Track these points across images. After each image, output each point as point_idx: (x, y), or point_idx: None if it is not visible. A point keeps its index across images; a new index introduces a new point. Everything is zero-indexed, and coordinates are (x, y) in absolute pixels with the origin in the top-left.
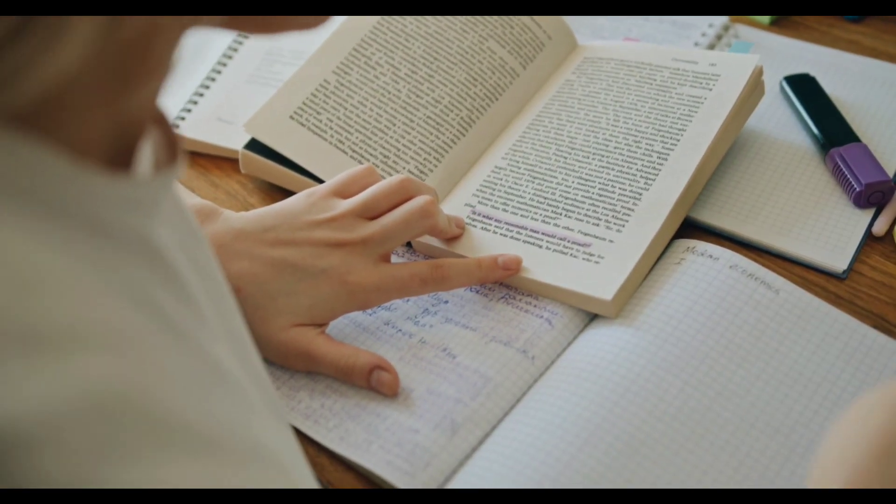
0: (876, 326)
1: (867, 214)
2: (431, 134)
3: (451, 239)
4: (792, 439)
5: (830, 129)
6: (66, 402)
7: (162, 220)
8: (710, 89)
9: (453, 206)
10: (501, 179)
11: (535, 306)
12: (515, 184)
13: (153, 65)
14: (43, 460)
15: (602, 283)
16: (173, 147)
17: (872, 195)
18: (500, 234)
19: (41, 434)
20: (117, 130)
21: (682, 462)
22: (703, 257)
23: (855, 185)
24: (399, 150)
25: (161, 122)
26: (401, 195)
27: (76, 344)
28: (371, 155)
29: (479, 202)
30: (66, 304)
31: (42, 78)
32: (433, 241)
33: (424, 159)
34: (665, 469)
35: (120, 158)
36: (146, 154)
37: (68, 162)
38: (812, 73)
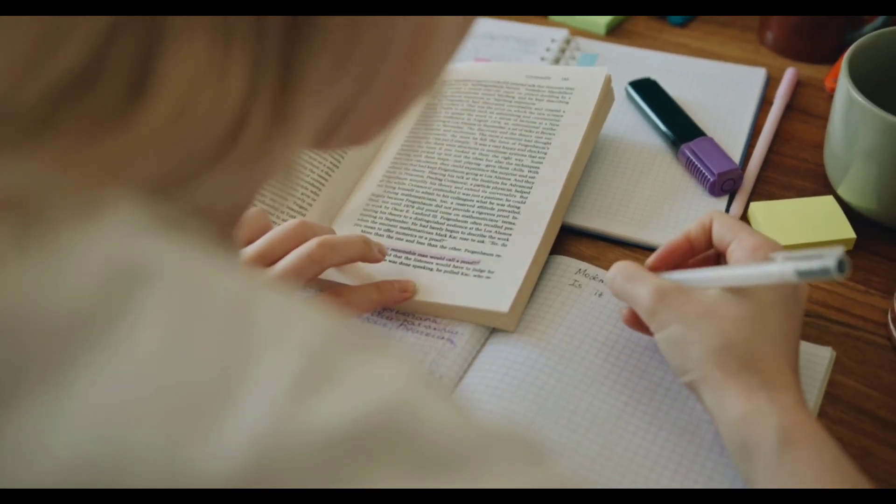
0: None
1: (722, 201)
2: (306, 169)
3: (347, 270)
4: (699, 436)
5: (678, 126)
6: None
7: None
8: (567, 102)
9: None
10: (381, 206)
11: (434, 329)
12: (395, 209)
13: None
14: None
15: (497, 297)
16: None
17: (725, 183)
18: (389, 262)
19: None
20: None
21: (601, 468)
22: (594, 281)
23: (708, 176)
24: (275, 188)
25: None
26: (297, 240)
27: None
28: None
29: (361, 231)
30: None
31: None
32: (327, 275)
33: (302, 194)
34: (585, 478)
35: None
36: None
37: None
38: (652, 77)
